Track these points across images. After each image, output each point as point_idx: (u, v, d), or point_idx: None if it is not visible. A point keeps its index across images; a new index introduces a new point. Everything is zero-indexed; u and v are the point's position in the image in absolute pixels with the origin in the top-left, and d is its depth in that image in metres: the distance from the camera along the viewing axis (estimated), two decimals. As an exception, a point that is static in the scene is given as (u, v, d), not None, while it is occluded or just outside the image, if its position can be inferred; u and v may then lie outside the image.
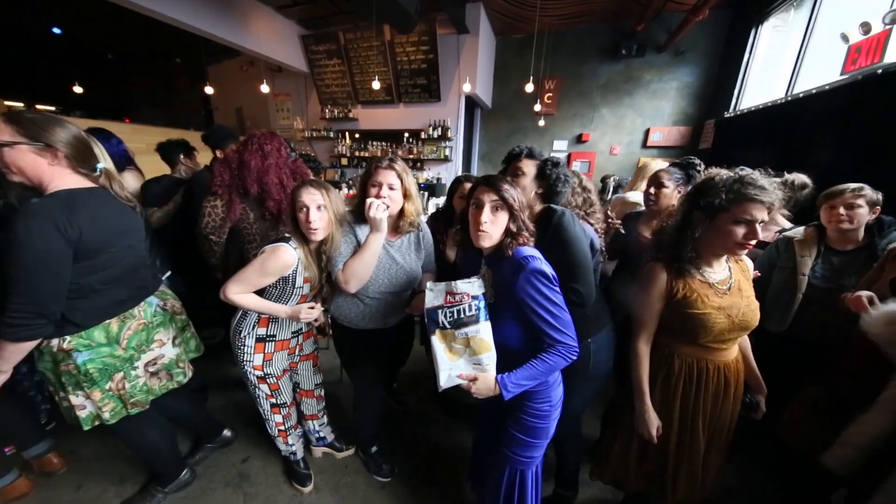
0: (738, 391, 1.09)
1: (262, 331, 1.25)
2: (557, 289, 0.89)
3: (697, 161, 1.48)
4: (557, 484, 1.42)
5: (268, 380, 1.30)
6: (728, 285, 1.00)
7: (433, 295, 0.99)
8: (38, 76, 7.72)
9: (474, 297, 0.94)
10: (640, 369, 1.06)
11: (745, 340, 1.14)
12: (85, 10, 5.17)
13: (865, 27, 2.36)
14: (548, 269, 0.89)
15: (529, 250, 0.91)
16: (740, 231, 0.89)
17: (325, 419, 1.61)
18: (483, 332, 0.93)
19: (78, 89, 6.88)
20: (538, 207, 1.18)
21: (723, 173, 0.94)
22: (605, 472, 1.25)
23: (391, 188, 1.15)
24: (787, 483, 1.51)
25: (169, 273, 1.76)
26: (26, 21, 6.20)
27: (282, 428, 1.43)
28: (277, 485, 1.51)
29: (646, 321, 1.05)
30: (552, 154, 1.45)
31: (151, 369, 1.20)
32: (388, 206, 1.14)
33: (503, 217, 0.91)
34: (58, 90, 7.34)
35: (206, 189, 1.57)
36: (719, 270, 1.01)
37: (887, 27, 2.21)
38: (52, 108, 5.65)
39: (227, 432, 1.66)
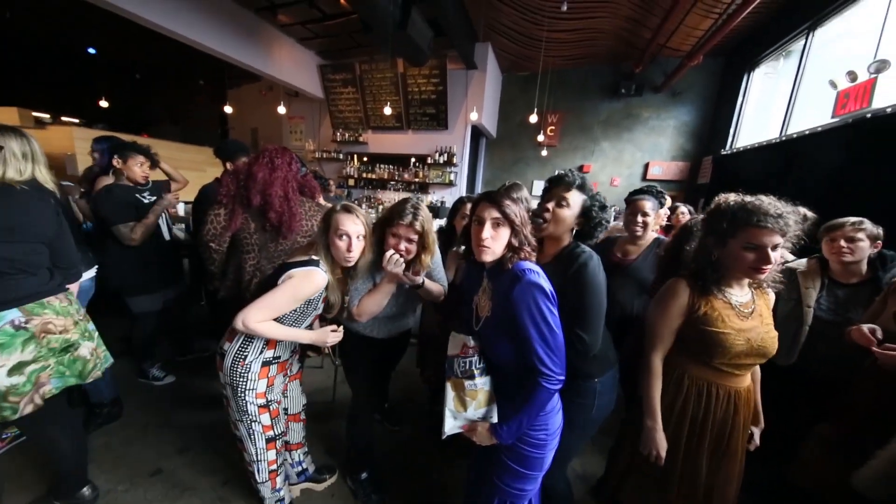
0: (746, 423, 1.04)
1: (270, 353, 1.16)
2: (555, 309, 0.87)
3: (658, 187, 1.58)
4: None
5: (270, 407, 1.19)
6: (750, 309, 0.99)
7: (452, 344, 1.01)
8: (69, 91, 8.16)
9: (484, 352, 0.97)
10: (652, 384, 1.04)
11: (757, 372, 1.11)
12: (121, 33, 5.54)
13: (852, 75, 2.50)
14: (546, 284, 0.87)
15: (529, 264, 0.90)
16: (750, 256, 0.90)
17: (307, 447, 1.52)
18: (490, 386, 0.96)
19: (103, 104, 7.25)
20: (567, 241, 1.11)
21: (730, 199, 0.96)
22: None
23: (409, 241, 1.16)
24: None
25: (94, 274, 1.74)
26: (65, 41, 6.66)
27: (273, 467, 1.27)
28: (258, 511, 1.42)
29: (662, 336, 1.04)
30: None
31: None
32: (404, 259, 1.15)
33: (505, 233, 0.91)
34: (84, 104, 7.74)
35: (214, 200, 1.60)
36: (742, 294, 1.00)
37: (873, 76, 2.34)
38: (76, 121, 5.89)
39: (86, 490, 1.34)
